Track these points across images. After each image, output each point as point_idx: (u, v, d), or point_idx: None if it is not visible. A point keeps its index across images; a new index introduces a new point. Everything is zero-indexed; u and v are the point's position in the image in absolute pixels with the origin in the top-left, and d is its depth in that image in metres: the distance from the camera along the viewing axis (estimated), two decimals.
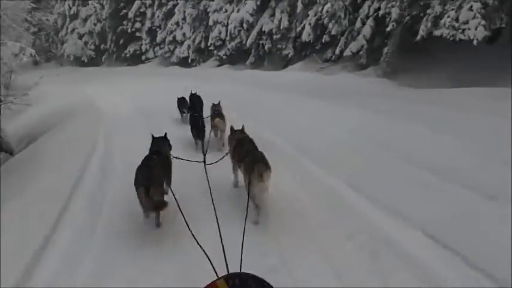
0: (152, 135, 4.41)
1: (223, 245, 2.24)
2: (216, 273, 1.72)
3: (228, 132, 5.06)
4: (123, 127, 8.37)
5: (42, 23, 35.48)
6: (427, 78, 9.51)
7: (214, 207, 3.06)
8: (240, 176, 4.23)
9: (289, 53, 15.91)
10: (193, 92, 8.01)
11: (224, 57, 20.34)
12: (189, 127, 6.24)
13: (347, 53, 12.00)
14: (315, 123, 7.33)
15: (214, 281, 1.34)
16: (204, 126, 6.10)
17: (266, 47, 16.91)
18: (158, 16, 26.23)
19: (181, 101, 8.34)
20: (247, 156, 3.91)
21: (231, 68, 19.81)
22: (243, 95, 11.53)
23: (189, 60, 23.34)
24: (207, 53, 22.70)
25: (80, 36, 32.63)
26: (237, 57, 19.94)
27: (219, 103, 6.91)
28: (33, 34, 31.48)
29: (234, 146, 4.38)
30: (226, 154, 4.57)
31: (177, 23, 24.14)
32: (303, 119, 7.81)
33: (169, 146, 4.50)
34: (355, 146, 5.82)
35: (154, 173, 3.60)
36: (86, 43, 32.61)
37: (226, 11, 19.86)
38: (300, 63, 15.72)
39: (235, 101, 9.86)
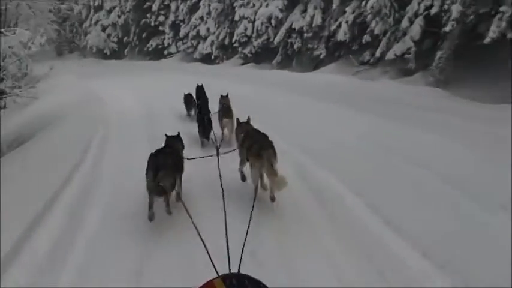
0: (166, 134, 4.39)
1: (228, 244, 2.19)
2: (215, 270, 1.70)
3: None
4: (124, 132, 7.31)
5: (66, 13, 35.46)
6: (490, 90, 7.94)
7: (224, 201, 3.03)
8: (248, 170, 4.01)
9: (320, 53, 14.49)
10: (199, 84, 7.50)
11: (249, 55, 19.09)
12: (196, 125, 6.12)
13: (390, 56, 10.51)
14: (350, 139, 5.95)
15: (211, 279, 1.35)
16: (211, 125, 5.98)
17: (295, 46, 15.52)
18: (182, 10, 25.23)
19: (187, 98, 8.05)
20: (256, 144, 3.81)
21: (256, 67, 18.54)
22: (267, 99, 10.26)
23: (212, 57, 22.22)
24: (231, 50, 21.52)
25: (103, 28, 32.16)
26: (263, 56, 18.65)
27: (227, 95, 6.71)
28: (58, 24, 31.44)
29: (242, 138, 4.30)
30: (237, 148, 4.53)
31: (202, 18, 23.06)
32: (335, 132, 6.41)
33: (182, 146, 4.48)
34: (411, 176, 4.32)
35: (164, 161, 3.63)
36: (108, 35, 32.10)
37: (253, 5, 18.58)
38: (333, 65, 14.29)
39: (259, 105, 8.74)
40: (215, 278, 1.37)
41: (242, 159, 4.20)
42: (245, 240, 2.30)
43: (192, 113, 7.86)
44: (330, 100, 9.31)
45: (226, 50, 21.72)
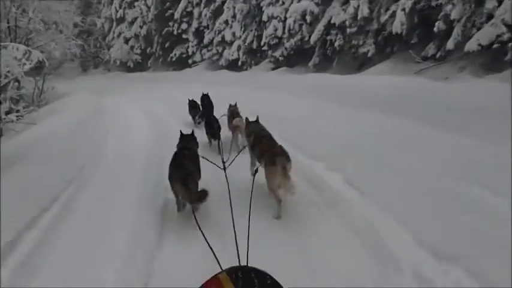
0: (181, 131, 4.46)
1: (236, 241, 2.10)
2: (220, 266, 1.64)
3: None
4: (117, 174, 5.37)
5: (90, 28, 34.89)
6: None
7: (230, 200, 2.86)
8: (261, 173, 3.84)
9: (368, 50, 12.11)
10: (204, 93, 7.97)
11: (280, 58, 16.96)
12: (204, 130, 6.22)
13: (471, 46, 8.01)
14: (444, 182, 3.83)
15: (216, 274, 1.33)
16: (220, 128, 6.03)
17: (336, 44, 13.20)
18: (206, 15, 23.58)
19: (192, 104, 8.11)
20: (268, 150, 3.85)
21: (289, 72, 16.37)
22: (309, 115, 7.97)
23: (239, 63, 20.36)
24: (259, 55, 19.59)
25: (126, 40, 31.18)
26: (297, 58, 16.51)
27: (235, 104, 6.72)
28: (82, 40, 30.78)
29: (253, 140, 4.35)
30: (244, 147, 4.58)
31: (226, 22, 21.27)
32: (415, 165, 4.30)
33: (197, 144, 4.50)
34: None
35: (188, 165, 3.69)
36: (132, 47, 31.06)
37: (283, 3, 16.50)
38: (384, 63, 11.88)
39: (295, 122, 7.19)
40: (220, 272, 1.32)
41: (253, 161, 4.34)
42: (248, 233, 2.25)
43: (197, 120, 7.87)
44: (393, 110, 6.99)
45: (255, 55, 19.88)
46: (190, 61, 25.96)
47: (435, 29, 8.69)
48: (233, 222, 2.39)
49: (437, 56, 9.77)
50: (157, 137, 7.26)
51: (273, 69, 17.68)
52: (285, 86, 13.27)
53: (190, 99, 8.08)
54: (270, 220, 3.60)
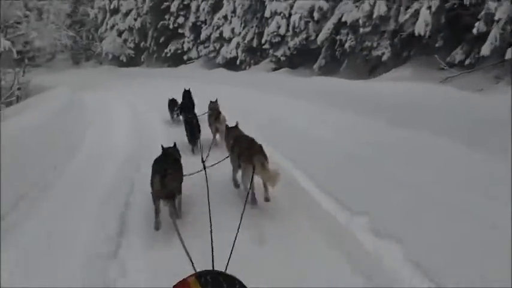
0: (162, 146, 4.31)
1: (212, 244, 2.16)
2: (194, 268, 1.70)
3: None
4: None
5: (82, 18, 33.39)
6: None
7: (208, 202, 3.07)
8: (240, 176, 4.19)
9: (382, 53, 10.81)
10: (186, 89, 8.05)
11: (282, 58, 15.61)
12: (183, 129, 6.23)
13: None
14: None
15: (185, 278, 1.35)
16: (199, 128, 6.05)
17: (346, 45, 11.87)
18: (204, 9, 22.18)
19: (172, 103, 8.48)
20: (246, 150, 3.95)
21: (291, 73, 15.04)
22: (306, 120, 7.26)
23: (238, 62, 18.98)
24: (260, 53, 18.27)
25: (120, 33, 29.71)
26: (301, 59, 15.22)
27: (216, 101, 6.83)
28: (75, 31, 29.23)
29: (232, 144, 4.42)
30: (226, 157, 4.53)
31: (225, 17, 19.91)
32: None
33: (179, 155, 4.46)
34: None
35: (170, 165, 3.76)
36: (125, 41, 29.59)
37: None
38: (400, 68, 10.58)
39: (290, 128, 7.23)
40: (189, 276, 1.36)
41: (234, 167, 4.39)
42: (235, 240, 2.24)
43: (175, 116, 8.33)
44: (425, 126, 5.83)
45: (255, 54, 18.50)
46: (185, 57, 24.59)
47: (474, 31, 7.35)
48: (210, 226, 2.45)
49: (466, 62, 8.50)
50: (137, 138, 7.32)
51: (274, 69, 16.34)
52: (286, 88, 12.02)
53: (170, 98, 8.53)
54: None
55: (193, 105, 7.69)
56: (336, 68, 12.97)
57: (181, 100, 8.03)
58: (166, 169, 3.55)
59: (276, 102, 10.22)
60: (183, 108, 7.56)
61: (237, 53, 19.00)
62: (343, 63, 12.41)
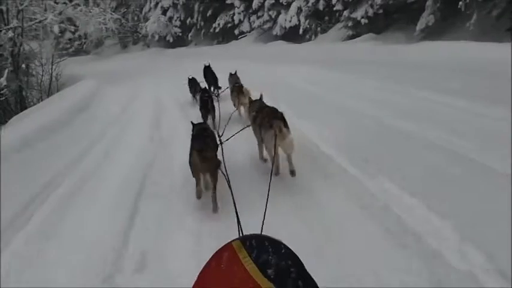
0: (192, 122, 4.30)
1: (237, 213, 2.08)
2: (241, 231, 1.68)
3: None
4: None
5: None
6: None
7: (226, 173, 3.01)
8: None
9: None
10: (206, 65, 8.00)
11: (363, 21, 11.95)
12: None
13: None
14: None
15: (230, 241, 1.30)
16: (214, 108, 5.89)
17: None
18: None
19: (192, 83, 7.91)
20: (267, 117, 3.84)
21: (378, 40, 11.38)
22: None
23: (300, 31, 15.99)
24: (328, 18, 14.80)
25: (164, 11, 27.49)
26: (391, 20, 11.48)
27: (235, 73, 6.89)
28: (120, 13, 27.52)
29: (254, 115, 4.26)
30: (242, 129, 4.46)
31: None
32: None
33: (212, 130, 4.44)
34: None
35: (208, 140, 3.81)
36: (170, 18, 27.29)
37: None
38: None
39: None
40: (233, 240, 1.29)
41: (258, 140, 4.27)
42: (266, 208, 2.18)
43: (198, 96, 7.66)
44: None
45: (322, 19, 15.35)
46: (236, 32, 21.83)
47: None
48: (232, 196, 2.48)
49: None
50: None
51: (351, 37, 12.80)
52: (371, 62, 8.64)
53: (190, 77, 8.05)
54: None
55: (215, 80, 7.58)
56: (449, 29, 9.15)
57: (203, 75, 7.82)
58: (205, 144, 3.63)
59: (359, 83, 6.92)
60: (208, 85, 7.44)
61: (298, 20, 16.23)
62: (467, 20, 8.49)
